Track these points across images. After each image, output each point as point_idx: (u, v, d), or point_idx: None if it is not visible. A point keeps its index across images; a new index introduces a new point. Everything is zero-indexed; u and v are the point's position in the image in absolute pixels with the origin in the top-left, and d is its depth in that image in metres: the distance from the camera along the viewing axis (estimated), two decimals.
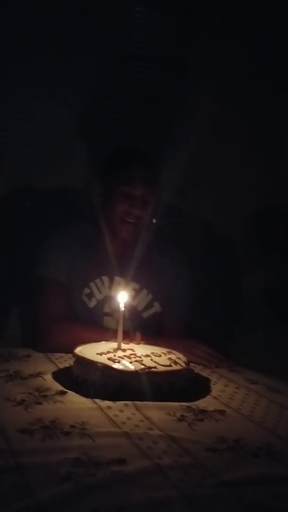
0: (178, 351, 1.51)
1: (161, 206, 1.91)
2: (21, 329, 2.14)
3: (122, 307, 1.51)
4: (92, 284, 1.88)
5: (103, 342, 1.53)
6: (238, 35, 2.43)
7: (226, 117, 2.44)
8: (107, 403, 1.28)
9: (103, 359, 1.37)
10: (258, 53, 2.45)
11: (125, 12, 2.44)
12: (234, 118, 2.47)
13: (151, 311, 1.93)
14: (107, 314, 1.89)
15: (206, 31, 2.43)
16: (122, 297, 1.53)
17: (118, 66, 2.43)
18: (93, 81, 2.40)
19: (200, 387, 1.45)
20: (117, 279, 1.89)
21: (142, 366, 1.35)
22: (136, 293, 1.91)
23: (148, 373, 1.33)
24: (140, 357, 1.40)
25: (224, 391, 1.45)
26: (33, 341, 1.77)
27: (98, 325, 1.86)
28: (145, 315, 1.93)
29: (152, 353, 1.45)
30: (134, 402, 1.29)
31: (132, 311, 1.87)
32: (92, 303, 1.88)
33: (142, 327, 1.76)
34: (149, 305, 1.93)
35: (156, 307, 1.94)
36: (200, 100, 2.40)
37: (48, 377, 1.43)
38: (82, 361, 1.39)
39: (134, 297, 1.89)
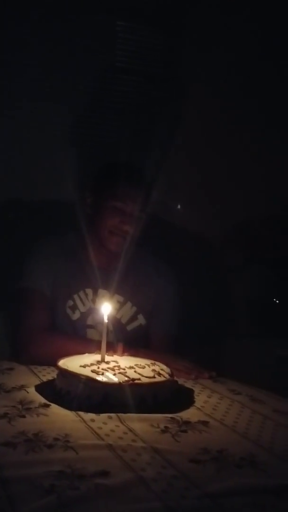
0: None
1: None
2: (10, 342, 2.12)
3: (105, 319, 1.51)
4: (75, 296, 1.88)
5: (87, 354, 1.53)
6: (222, 45, 2.46)
7: (213, 129, 2.48)
8: (90, 415, 1.28)
9: (86, 372, 1.37)
10: (243, 64, 2.49)
11: (107, 27, 2.47)
12: (220, 130, 2.50)
13: (135, 324, 1.93)
14: (90, 327, 1.88)
15: (190, 42, 2.47)
16: (106, 309, 1.53)
17: (102, 80, 2.45)
18: (78, 95, 2.42)
19: (184, 398, 1.45)
20: (101, 291, 1.89)
21: (126, 378, 1.35)
22: (120, 305, 1.91)
23: (132, 385, 1.34)
24: (124, 369, 1.40)
25: (208, 402, 1.46)
26: (15, 352, 1.77)
27: (82, 337, 1.86)
28: (129, 327, 1.92)
29: (136, 364, 1.45)
30: (118, 414, 1.29)
31: (116, 324, 1.87)
32: (76, 316, 1.87)
33: (126, 340, 1.76)
34: (133, 318, 1.93)
35: (141, 320, 1.94)
36: (187, 112, 2.43)
37: (32, 390, 1.43)
38: (66, 374, 1.38)
39: (118, 309, 1.89)
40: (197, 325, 2.21)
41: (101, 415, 1.28)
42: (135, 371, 1.41)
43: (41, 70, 2.34)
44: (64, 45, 2.37)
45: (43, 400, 1.36)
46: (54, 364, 1.44)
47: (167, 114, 2.46)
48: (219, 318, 2.42)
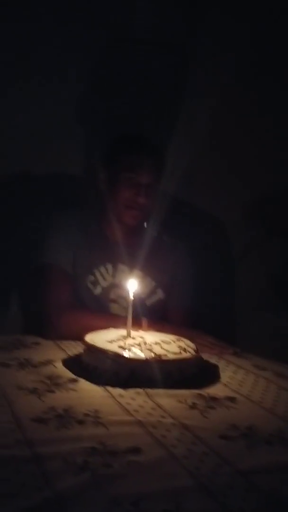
0: None
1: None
2: (23, 318, 2.14)
3: (131, 295, 1.51)
4: (96, 271, 1.89)
5: (113, 329, 1.53)
6: (242, 21, 2.39)
7: (229, 103, 2.42)
8: (119, 391, 1.29)
9: (113, 347, 1.38)
10: (262, 41, 2.42)
11: None
12: (237, 104, 2.45)
13: (154, 298, 1.95)
14: (113, 301, 1.89)
15: (209, 16, 2.40)
16: (132, 285, 1.53)
17: (117, 50, 2.40)
18: (92, 66, 2.38)
19: (209, 374, 1.46)
20: (120, 266, 1.89)
21: (153, 354, 1.36)
22: (140, 280, 1.91)
23: (158, 361, 1.34)
24: (150, 345, 1.41)
25: (233, 378, 1.47)
26: (38, 329, 1.77)
27: (105, 311, 1.87)
28: (149, 302, 1.93)
29: (161, 340, 1.46)
30: (145, 389, 1.30)
31: (137, 298, 1.88)
32: (98, 290, 1.88)
33: (147, 314, 1.77)
34: (152, 292, 1.94)
35: (159, 294, 1.95)
36: (203, 86, 2.38)
37: (59, 365, 1.44)
38: (93, 349, 1.39)
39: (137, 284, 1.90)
40: (218, 301, 2.22)
41: (129, 390, 1.29)
42: (161, 347, 1.41)
43: (55, 40, 2.29)
44: (80, 14, 2.32)
45: (71, 375, 1.37)
46: (81, 340, 1.45)
47: (183, 86, 2.41)
48: (241, 293, 2.42)
